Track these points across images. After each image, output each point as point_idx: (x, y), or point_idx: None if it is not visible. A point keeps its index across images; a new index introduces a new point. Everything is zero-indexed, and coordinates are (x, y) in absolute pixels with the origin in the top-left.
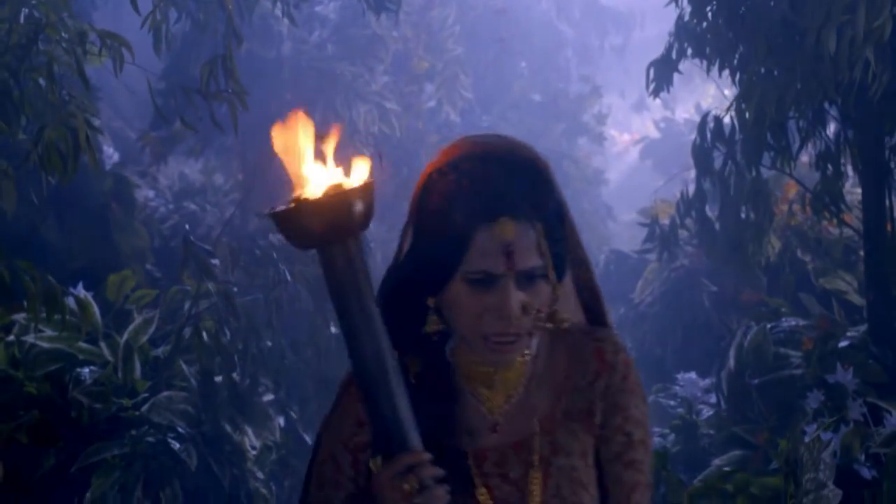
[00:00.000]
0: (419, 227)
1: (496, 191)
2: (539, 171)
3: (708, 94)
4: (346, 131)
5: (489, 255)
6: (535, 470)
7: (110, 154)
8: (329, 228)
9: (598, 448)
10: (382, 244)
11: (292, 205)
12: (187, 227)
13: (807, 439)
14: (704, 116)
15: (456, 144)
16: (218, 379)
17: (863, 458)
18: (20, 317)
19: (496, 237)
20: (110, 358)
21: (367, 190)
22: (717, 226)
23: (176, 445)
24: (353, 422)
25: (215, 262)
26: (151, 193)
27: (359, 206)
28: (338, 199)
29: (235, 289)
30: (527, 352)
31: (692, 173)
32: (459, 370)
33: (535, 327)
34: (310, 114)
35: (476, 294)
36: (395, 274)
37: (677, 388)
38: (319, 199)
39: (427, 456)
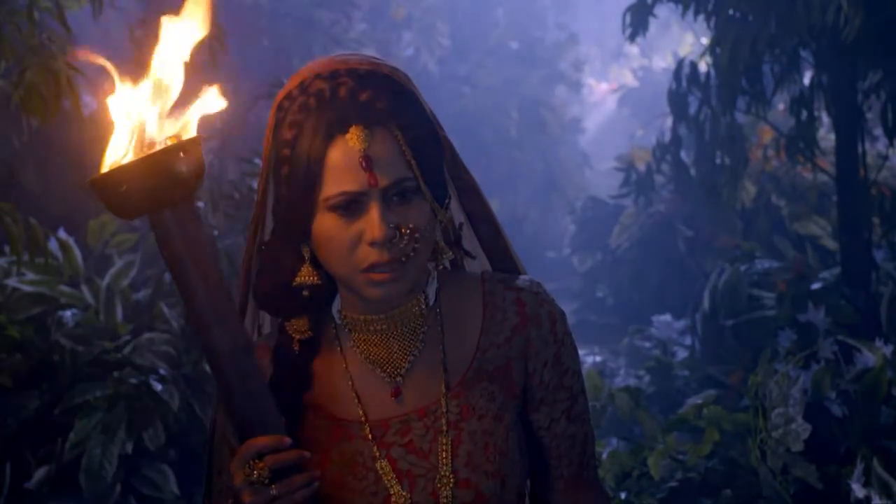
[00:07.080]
0: (276, 167)
1: (345, 100)
2: (396, 80)
3: (686, 43)
4: None
5: (346, 173)
6: (444, 436)
7: (88, 102)
8: (150, 196)
9: (531, 409)
10: None
11: (105, 171)
12: None
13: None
14: (680, 62)
15: (306, 67)
16: None
17: (833, 395)
18: (1, 261)
19: (349, 150)
20: (92, 301)
21: (190, 146)
22: (692, 171)
23: (158, 387)
24: None
25: (200, 205)
26: None
27: (182, 168)
28: (154, 161)
29: (216, 232)
30: (423, 300)
31: (669, 121)
32: (351, 331)
33: (418, 252)
34: (287, 60)
35: (343, 223)
36: (262, 231)
37: (653, 330)
38: (133, 163)
39: (283, 440)
